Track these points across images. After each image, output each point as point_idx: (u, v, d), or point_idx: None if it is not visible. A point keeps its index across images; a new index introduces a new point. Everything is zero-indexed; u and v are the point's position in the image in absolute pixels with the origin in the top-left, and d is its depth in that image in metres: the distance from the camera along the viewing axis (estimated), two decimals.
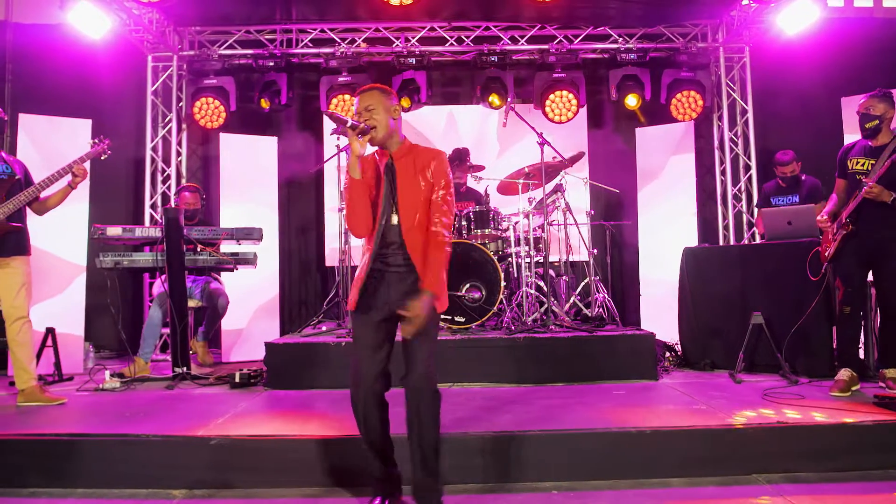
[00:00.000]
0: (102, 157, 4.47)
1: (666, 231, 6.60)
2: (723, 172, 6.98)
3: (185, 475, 2.99)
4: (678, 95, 6.69)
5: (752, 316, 4.50)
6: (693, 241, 6.45)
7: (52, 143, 5.45)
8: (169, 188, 6.82)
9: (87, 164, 4.33)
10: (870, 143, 4.06)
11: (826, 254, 4.12)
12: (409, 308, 2.45)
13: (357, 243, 5.58)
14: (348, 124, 2.53)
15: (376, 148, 2.71)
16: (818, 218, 4.20)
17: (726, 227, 6.92)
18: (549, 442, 3.06)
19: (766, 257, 4.79)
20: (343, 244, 5.43)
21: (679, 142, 6.72)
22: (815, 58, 6.50)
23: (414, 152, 2.68)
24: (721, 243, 6.82)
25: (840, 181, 4.21)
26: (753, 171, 6.79)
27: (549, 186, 5.70)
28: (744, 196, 6.85)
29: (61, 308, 5.39)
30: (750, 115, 6.83)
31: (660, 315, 6.25)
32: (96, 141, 4.45)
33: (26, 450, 3.05)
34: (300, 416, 3.58)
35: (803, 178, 5.45)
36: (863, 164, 4.02)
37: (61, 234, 5.42)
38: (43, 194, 4.17)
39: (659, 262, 6.53)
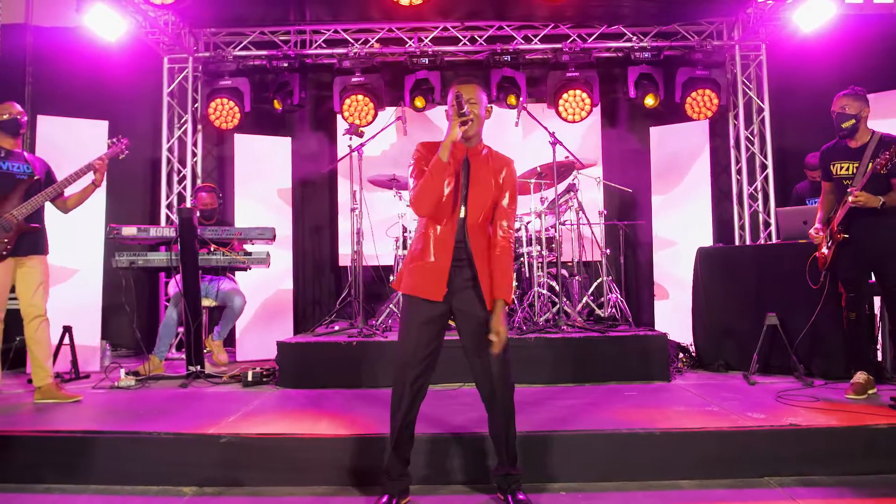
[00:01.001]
0: (121, 157, 4.53)
1: (680, 231, 6.54)
2: (738, 172, 6.90)
3: (195, 473, 3.02)
4: (693, 94, 6.64)
5: (766, 317, 4.45)
6: (708, 240, 6.39)
7: (70, 144, 5.51)
8: (185, 188, 6.90)
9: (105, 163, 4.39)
10: (849, 144, 3.97)
11: (823, 261, 4.04)
12: (493, 326, 2.55)
13: (369, 248, 5.60)
14: (464, 109, 2.55)
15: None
16: (810, 231, 4.12)
17: (742, 227, 6.85)
18: (558, 443, 3.05)
19: (781, 257, 4.73)
20: (355, 244, 5.44)
21: (694, 141, 6.65)
22: (832, 55, 6.41)
23: (490, 154, 2.74)
24: (737, 243, 6.76)
25: (826, 184, 4.13)
26: (770, 171, 6.70)
27: (562, 186, 5.69)
28: (760, 195, 6.77)
29: (79, 306, 5.46)
30: (766, 114, 6.75)
31: (674, 315, 6.21)
32: (114, 141, 4.51)
33: (41, 446, 3.10)
34: (310, 414, 3.60)
35: None
36: (847, 169, 3.94)
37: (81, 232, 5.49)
38: (67, 192, 4.24)
39: (673, 262, 6.48)
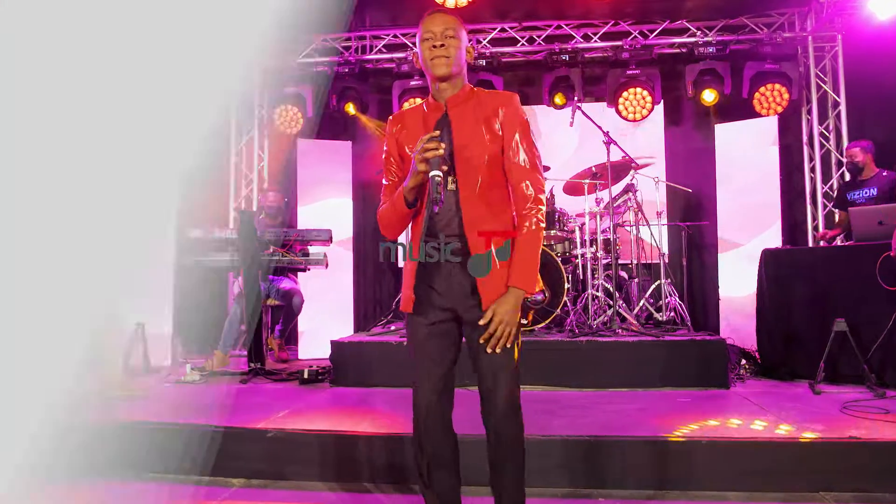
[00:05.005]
0: None
1: (747, 232, 6.27)
2: (812, 170, 6.55)
3: (244, 465, 3.13)
4: (762, 89, 6.35)
5: (834, 322, 4.21)
6: (777, 242, 6.10)
7: None
8: (251, 192, 7.18)
9: None
10: None
11: None
12: (487, 313, 1.90)
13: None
14: (430, 150, 1.84)
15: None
16: None
17: (816, 228, 6.49)
18: (600, 449, 2.99)
19: (853, 260, 4.46)
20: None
21: (762, 138, 6.35)
22: None
23: (476, 98, 2.03)
24: (810, 245, 6.42)
25: None
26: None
27: (620, 186, 5.58)
28: (835, 195, 6.39)
29: (153, 304, 5.78)
30: (842, 108, 6.38)
31: (740, 320, 5.96)
32: None
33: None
34: (356, 412, 3.68)
35: (885, 173, 5.20)
36: None
37: None
38: None
39: (740, 265, 6.21)
